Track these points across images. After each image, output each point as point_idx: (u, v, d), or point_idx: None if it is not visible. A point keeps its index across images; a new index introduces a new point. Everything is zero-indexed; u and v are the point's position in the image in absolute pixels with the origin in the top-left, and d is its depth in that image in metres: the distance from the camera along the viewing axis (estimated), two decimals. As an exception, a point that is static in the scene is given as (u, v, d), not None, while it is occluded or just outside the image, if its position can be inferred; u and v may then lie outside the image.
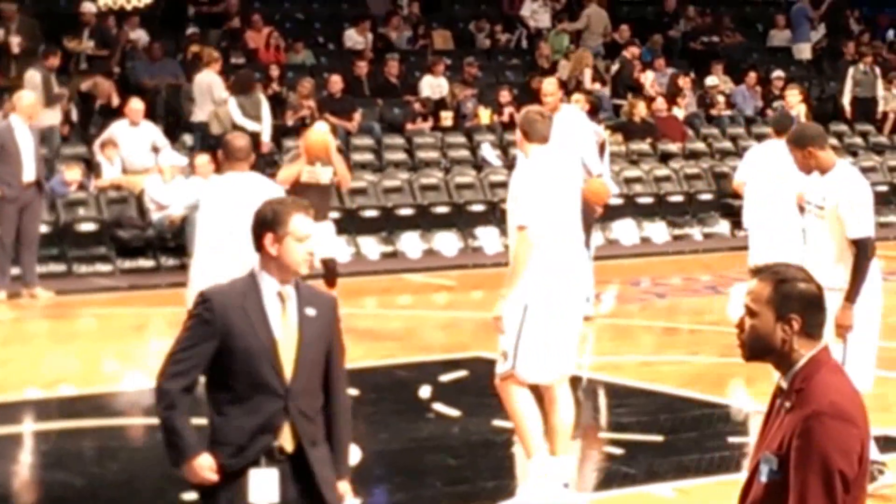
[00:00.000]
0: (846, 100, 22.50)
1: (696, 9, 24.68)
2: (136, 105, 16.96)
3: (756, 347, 4.04)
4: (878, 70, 22.77)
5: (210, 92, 17.65)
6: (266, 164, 16.00)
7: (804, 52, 24.64)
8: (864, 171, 20.48)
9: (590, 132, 12.22)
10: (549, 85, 12.50)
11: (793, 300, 3.99)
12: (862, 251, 7.69)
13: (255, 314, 4.82)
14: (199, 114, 17.77)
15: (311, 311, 4.90)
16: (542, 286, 7.53)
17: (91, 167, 16.98)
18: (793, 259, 7.14)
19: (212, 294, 4.89)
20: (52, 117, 16.98)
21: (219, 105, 17.32)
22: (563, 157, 8.16)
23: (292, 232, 4.87)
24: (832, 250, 7.77)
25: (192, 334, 4.83)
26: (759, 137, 20.95)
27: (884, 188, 20.06)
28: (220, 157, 9.91)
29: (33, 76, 16.70)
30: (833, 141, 21.84)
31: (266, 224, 4.89)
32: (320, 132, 12.81)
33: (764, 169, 11.70)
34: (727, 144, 21.17)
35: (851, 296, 7.62)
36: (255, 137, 14.04)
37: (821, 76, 24.29)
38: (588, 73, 21.52)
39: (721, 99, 22.04)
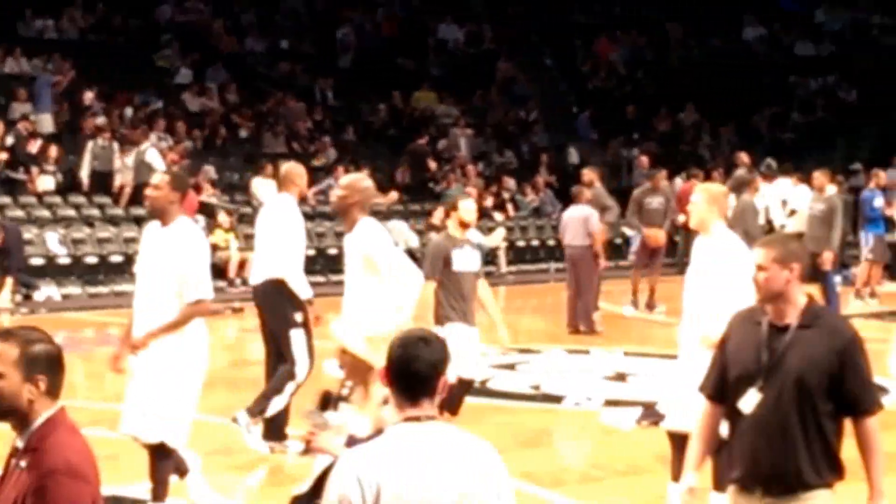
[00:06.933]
0: (85, 172, 23.20)
1: None
2: None
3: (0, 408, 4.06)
4: (115, 144, 23.54)
5: None
6: None
7: (46, 123, 24.88)
8: (101, 241, 21.42)
9: None
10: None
11: (39, 361, 4.06)
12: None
13: None
14: None
15: None
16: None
17: None
18: None
19: None
20: None
21: None
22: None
23: None
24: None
25: None
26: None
27: (118, 258, 21.15)
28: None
29: None
30: (71, 212, 22.34)
31: None
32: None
33: None
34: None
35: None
36: None
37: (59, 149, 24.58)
38: None
39: None
